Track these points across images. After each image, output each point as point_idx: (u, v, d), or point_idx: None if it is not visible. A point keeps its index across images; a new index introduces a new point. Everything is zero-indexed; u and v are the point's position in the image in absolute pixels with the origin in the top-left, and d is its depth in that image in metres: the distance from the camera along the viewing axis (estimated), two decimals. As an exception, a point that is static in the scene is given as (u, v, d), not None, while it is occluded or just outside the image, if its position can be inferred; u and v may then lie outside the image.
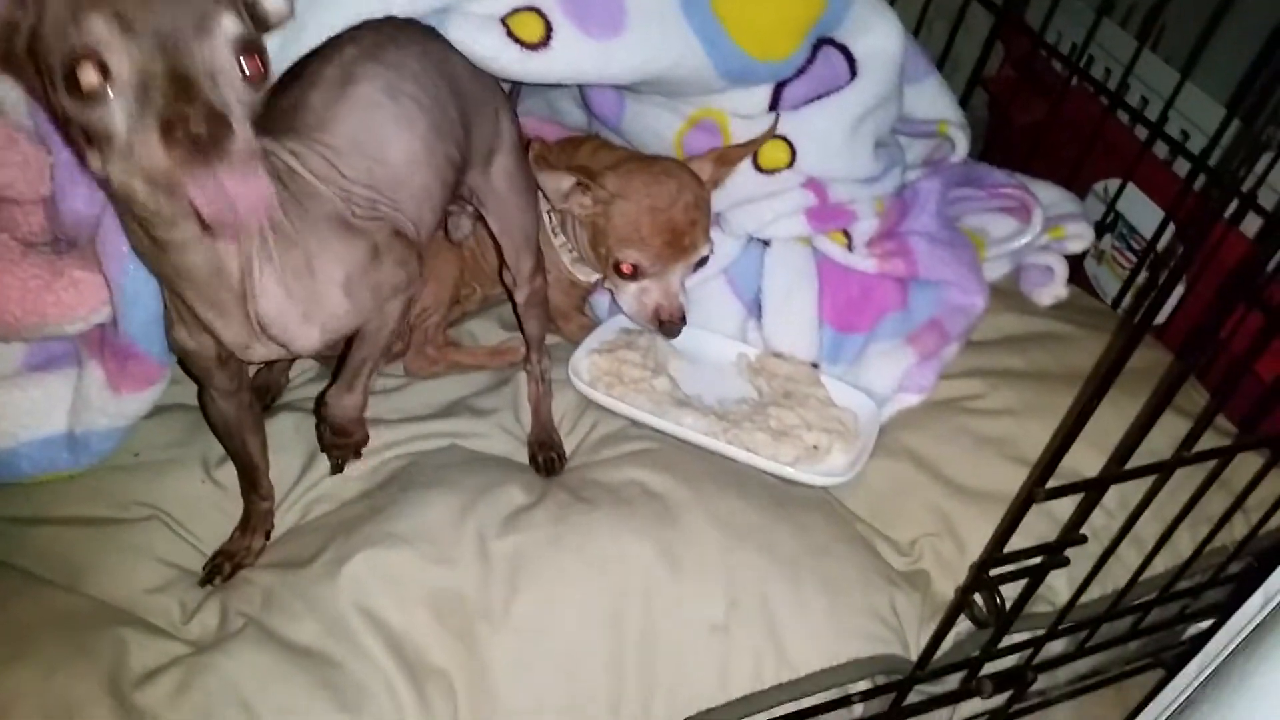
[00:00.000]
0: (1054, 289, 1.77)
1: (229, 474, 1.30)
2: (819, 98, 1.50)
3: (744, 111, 1.50)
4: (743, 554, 1.23)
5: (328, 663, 1.12)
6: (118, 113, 0.67)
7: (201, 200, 0.65)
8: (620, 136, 1.62)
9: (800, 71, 1.48)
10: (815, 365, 1.55)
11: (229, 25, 0.69)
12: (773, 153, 1.51)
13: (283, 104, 1.03)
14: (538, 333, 1.43)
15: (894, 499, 1.42)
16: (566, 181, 1.38)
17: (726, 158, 1.47)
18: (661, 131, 1.55)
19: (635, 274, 1.43)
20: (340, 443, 1.25)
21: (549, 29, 1.31)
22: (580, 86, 1.61)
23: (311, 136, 1.00)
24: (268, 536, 1.28)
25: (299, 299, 0.93)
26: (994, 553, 1.11)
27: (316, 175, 0.97)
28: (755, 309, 1.58)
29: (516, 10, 1.31)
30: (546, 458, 1.37)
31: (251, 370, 1.47)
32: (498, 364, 1.52)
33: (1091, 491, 1.08)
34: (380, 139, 1.03)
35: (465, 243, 1.52)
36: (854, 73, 1.51)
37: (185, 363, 1.09)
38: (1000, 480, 1.40)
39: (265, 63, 0.72)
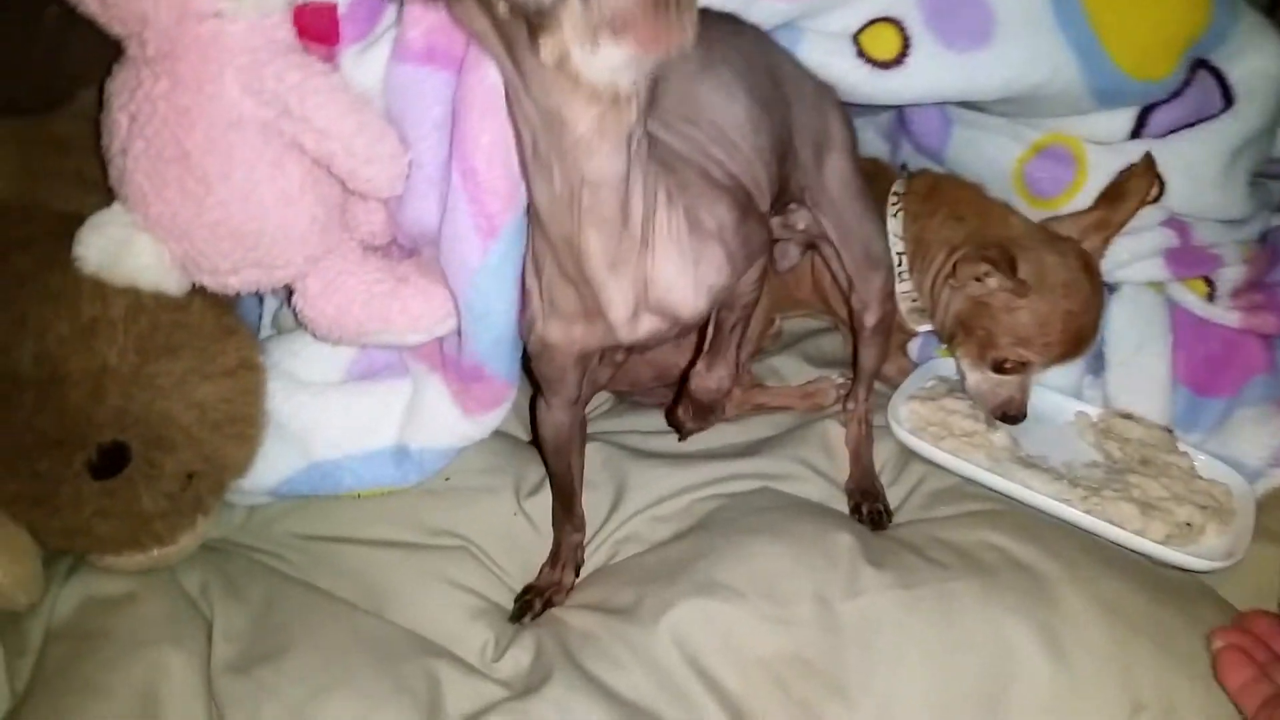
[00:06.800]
0: None
1: (540, 507, 1.21)
2: (1189, 125, 1.33)
3: (1103, 137, 1.34)
4: (1139, 648, 1.03)
5: (662, 724, 1.00)
6: None
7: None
8: (942, 165, 1.48)
9: (1173, 95, 1.31)
10: (1169, 430, 1.35)
11: None
12: (1133, 182, 1.33)
13: None
14: (872, 365, 1.29)
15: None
16: (980, 267, 1.24)
17: (1109, 221, 1.30)
18: (998, 159, 1.40)
19: (1006, 368, 1.29)
20: (697, 423, 1.17)
21: (906, 43, 1.21)
22: (900, 111, 1.48)
23: None
24: (577, 573, 1.19)
25: (688, 255, 0.90)
26: None
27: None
28: (1095, 363, 1.40)
29: (872, 22, 1.21)
30: (872, 509, 1.22)
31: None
32: (806, 406, 1.39)
33: None
34: (703, 106, 1.01)
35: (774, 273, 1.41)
36: (1228, 100, 1.33)
37: (540, 365, 1.01)
38: None
39: None
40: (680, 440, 1.27)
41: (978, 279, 1.27)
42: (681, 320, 0.93)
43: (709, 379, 1.03)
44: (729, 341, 1.01)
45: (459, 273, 1.02)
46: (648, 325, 0.93)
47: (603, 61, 0.67)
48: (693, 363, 1.06)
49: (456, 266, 1.02)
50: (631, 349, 1.34)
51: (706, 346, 1.03)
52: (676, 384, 1.39)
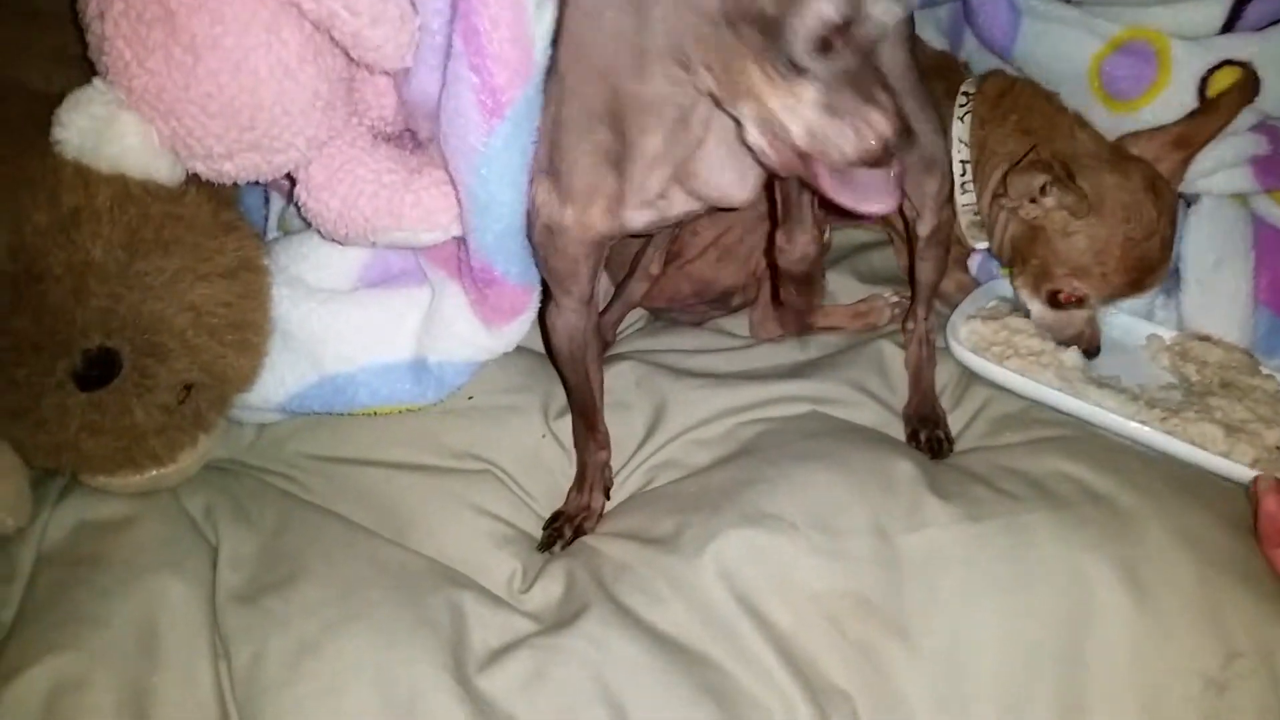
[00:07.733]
0: None
1: (570, 428, 1.11)
2: (1293, 17, 1.20)
3: (1190, 31, 1.22)
4: (1228, 588, 0.94)
5: (706, 663, 0.92)
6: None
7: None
8: (1009, 63, 1.35)
9: (1276, -19, 1.18)
10: (1249, 354, 1.25)
11: None
12: (1224, 82, 1.21)
13: None
14: (931, 279, 1.18)
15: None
16: (1038, 179, 1.12)
17: (1190, 139, 1.18)
18: (1072, 55, 1.27)
19: (1065, 303, 1.19)
20: (804, 300, 1.05)
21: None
22: (964, 1, 1.35)
23: None
24: (607, 495, 1.10)
25: (740, 149, 0.81)
26: None
27: None
28: (1169, 281, 1.28)
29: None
30: (931, 436, 1.12)
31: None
32: (858, 326, 1.28)
33: None
34: None
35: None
36: (1334, -12, 1.20)
37: (548, 256, 0.93)
38: None
39: None
40: (799, 335, 1.21)
41: (1032, 199, 1.15)
42: (730, 202, 0.88)
43: (793, 250, 0.95)
44: (801, 203, 0.92)
45: (460, 155, 0.91)
46: (679, 205, 0.88)
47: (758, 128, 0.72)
48: (772, 240, 0.97)
49: (457, 148, 0.91)
50: (668, 260, 1.24)
51: (780, 218, 0.94)
52: (755, 286, 1.29)
